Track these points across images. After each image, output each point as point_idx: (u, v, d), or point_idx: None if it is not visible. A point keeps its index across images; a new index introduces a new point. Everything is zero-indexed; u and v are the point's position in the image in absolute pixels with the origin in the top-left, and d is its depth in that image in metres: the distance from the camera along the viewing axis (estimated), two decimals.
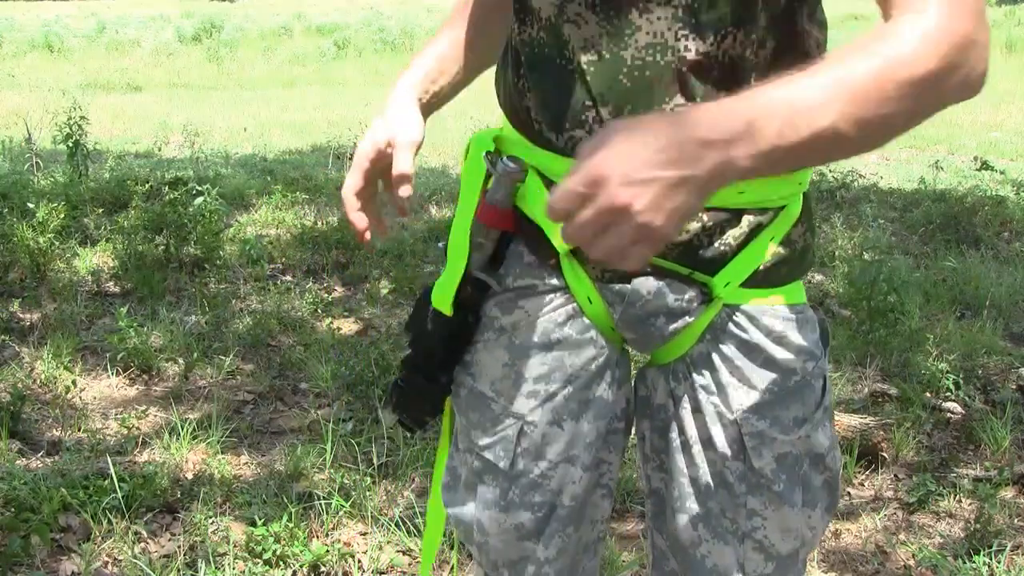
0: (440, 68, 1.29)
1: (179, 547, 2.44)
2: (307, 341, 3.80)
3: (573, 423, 1.22)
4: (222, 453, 2.93)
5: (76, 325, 3.89)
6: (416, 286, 4.36)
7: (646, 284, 1.14)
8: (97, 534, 2.46)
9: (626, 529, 2.63)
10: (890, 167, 7.78)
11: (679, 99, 1.06)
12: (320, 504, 2.61)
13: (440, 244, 1.24)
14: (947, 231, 5.46)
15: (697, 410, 1.18)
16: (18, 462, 2.79)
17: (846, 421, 3.05)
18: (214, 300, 4.16)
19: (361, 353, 3.54)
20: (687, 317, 1.15)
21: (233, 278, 4.48)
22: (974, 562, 2.45)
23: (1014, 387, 3.44)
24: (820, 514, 1.22)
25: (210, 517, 2.56)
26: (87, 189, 5.44)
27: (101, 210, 5.13)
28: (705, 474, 1.19)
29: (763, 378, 1.16)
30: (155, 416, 3.23)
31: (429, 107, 1.28)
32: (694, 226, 1.11)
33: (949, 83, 0.92)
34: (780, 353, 1.16)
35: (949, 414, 3.27)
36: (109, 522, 2.49)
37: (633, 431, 1.30)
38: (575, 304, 1.19)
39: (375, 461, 2.86)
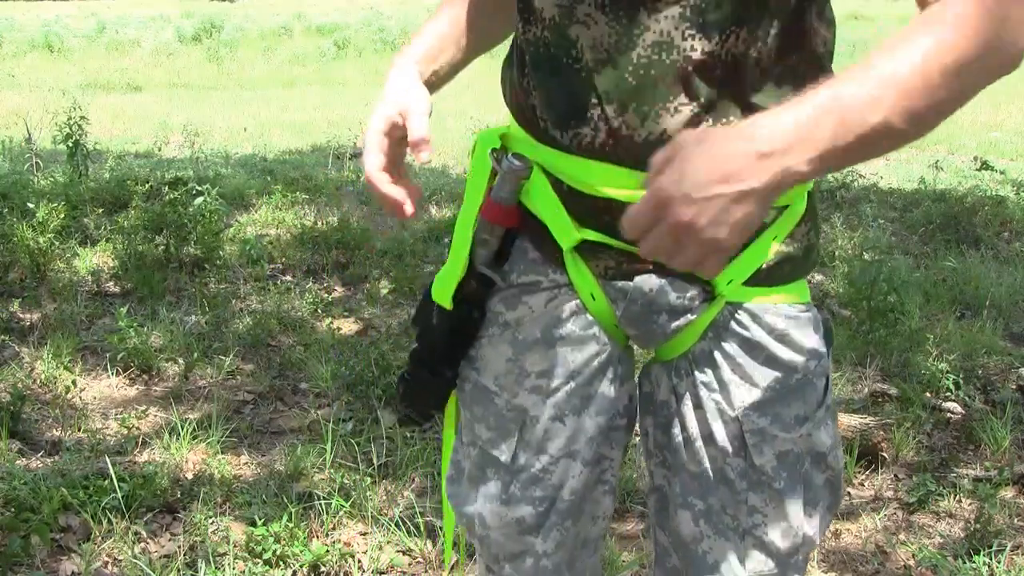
0: (440, 47, 1.28)
1: (179, 547, 2.44)
2: (307, 341, 3.80)
3: (575, 418, 1.23)
4: (222, 453, 2.93)
5: (76, 325, 3.89)
6: (416, 286, 4.36)
7: (648, 281, 1.15)
8: (97, 534, 2.46)
9: (626, 529, 2.63)
10: (890, 167, 7.78)
11: (683, 98, 1.06)
12: (320, 504, 2.61)
13: (447, 240, 1.24)
14: (947, 231, 5.46)
15: (699, 406, 1.19)
16: (18, 462, 2.79)
17: (846, 421, 3.06)
18: (214, 300, 4.16)
19: (361, 353, 3.54)
20: (689, 315, 1.16)
21: (233, 278, 4.48)
22: (974, 562, 2.45)
23: (1014, 387, 3.44)
24: (821, 513, 1.23)
25: (210, 517, 2.56)
26: (87, 189, 5.44)
27: (101, 210, 5.13)
28: (706, 470, 1.19)
29: (765, 376, 1.17)
30: (155, 416, 3.23)
31: (429, 86, 1.27)
32: None
33: (991, 62, 0.94)
34: (782, 351, 1.16)
35: (949, 414, 3.27)
36: (109, 522, 2.49)
37: (636, 427, 1.30)
38: (578, 300, 1.20)
39: (375, 461, 2.86)
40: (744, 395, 1.17)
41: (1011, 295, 4.39)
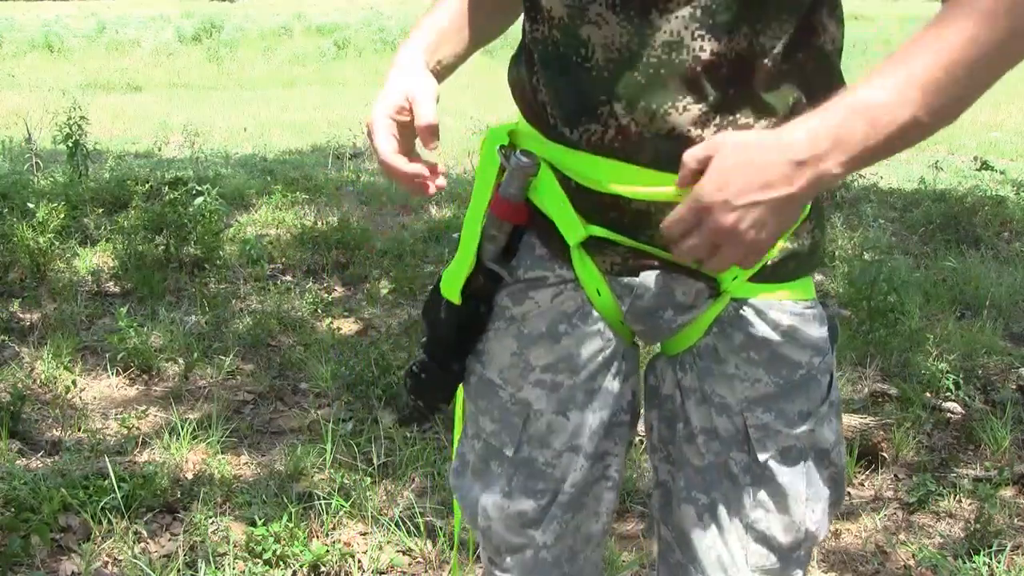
0: (439, 41, 1.27)
1: (179, 547, 2.44)
2: (307, 341, 3.80)
3: (579, 413, 1.24)
4: (222, 453, 2.93)
5: (76, 325, 3.89)
6: (416, 286, 4.37)
7: (654, 277, 1.16)
8: (97, 534, 2.46)
9: (626, 529, 2.63)
10: (890, 167, 7.78)
11: (692, 97, 1.07)
12: (320, 504, 2.61)
13: (455, 235, 1.25)
14: (947, 231, 5.46)
15: (703, 401, 1.19)
16: (18, 462, 2.79)
17: (846, 421, 3.06)
18: (214, 300, 4.16)
19: (361, 353, 3.54)
20: (694, 310, 1.17)
21: (233, 278, 4.48)
22: (974, 562, 2.45)
23: (1014, 387, 3.44)
24: (824, 508, 1.24)
25: (210, 517, 2.56)
26: (87, 189, 5.44)
27: (101, 210, 5.13)
28: (710, 465, 1.20)
29: (769, 371, 1.17)
30: (155, 416, 3.23)
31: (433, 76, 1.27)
32: None
33: (1013, 49, 0.97)
34: (786, 347, 1.17)
35: (949, 414, 3.27)
36: (109, 522, 2.49)
37: (641, 422, 1.31)
38: (584, 296, 1.21)
39: (375, 461, 2.86)
40: (748, 390, 1.18)
41: (1011, 295, 4.39)
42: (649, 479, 2.83)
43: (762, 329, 1.17)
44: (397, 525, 2.54)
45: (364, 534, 2.55)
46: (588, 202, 1.15)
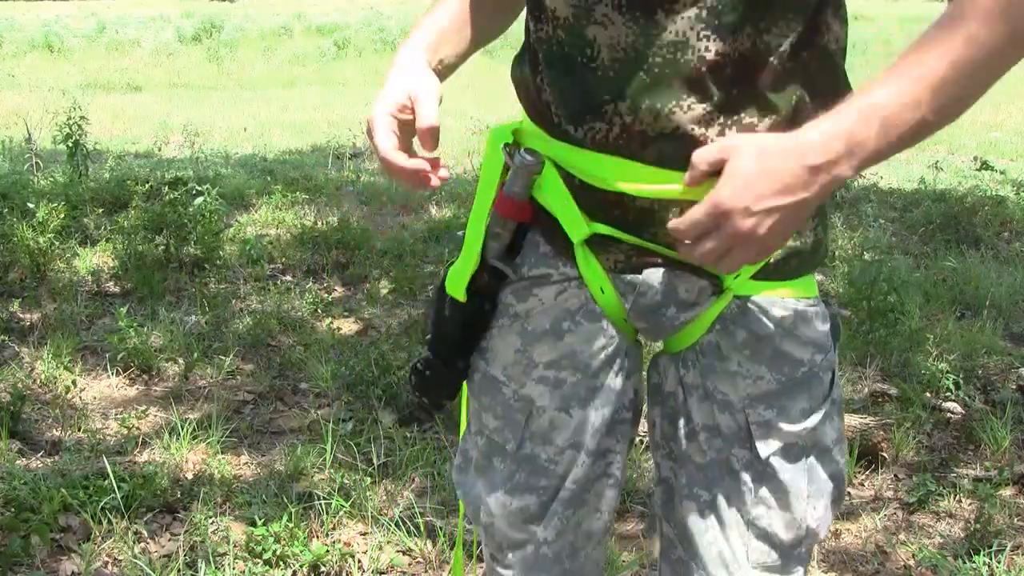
0: (439, 41, 1.27)
1: (179, 547, 2.44)
2: (307, 341, 3.80)
3: (581, 410, 1.25)
4: (222, 453, 2.93)
5: (76, 325, 3.89)
6: (416, 286, 4.37)
7: (657, 275, 1.16)
8: (97, 534, 2.46)
9: (626, 529, 2.63)
10: (890, 167, 7.77)
11: (696, 96, 1.08)
12: (320, 504, 2.61)
13: (460, 233, 1.25)
14: (947, 231, 5.46)
15: (705, 398, 1.20)
16: (18, 462, 2.79)
17: (846, 421, 3.04)
18: (214, 300, 4.16)
19: (361, 353, 3.54)
20: (697, 307, 1.17)
21: (233, 278, 4.48)
22: (974, 562, 2.45)
23: (1014, 387, 3.44)
24: (825, 506, 1.24)
25: (210, 517, 2.56)
26: (87, 189, 5.44)
27: (101, 210, 5.13)
28: (712, 461, 1.21)
29: (771, 368, 1.18)
30: (155, 416, 3.23)
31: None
32: None
33: (1017, 46, 0.99)
34: (789, 344, 1.18)
35: (949, 414, 3.27)
36: (109, 522, 2.49)
37: (641, 424, 1.32)
38: (588, 293, 1.22)
39: (375, 461, 2.86)
40: (750, 387, 1.18)
41: (1011, 295, 4.39)
42: (650, 479, 2.84)
43: (764, 326, 1.17)
44: (397, 525, 2.54)
45: (364, 534, 2.55)
46: (592, 200, 1.16)
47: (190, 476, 2.79)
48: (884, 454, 3.00)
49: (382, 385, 3.28)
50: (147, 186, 5.20)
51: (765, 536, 1.22)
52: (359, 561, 2.43)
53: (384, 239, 5.05)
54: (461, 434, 1.40)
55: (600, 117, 1.12)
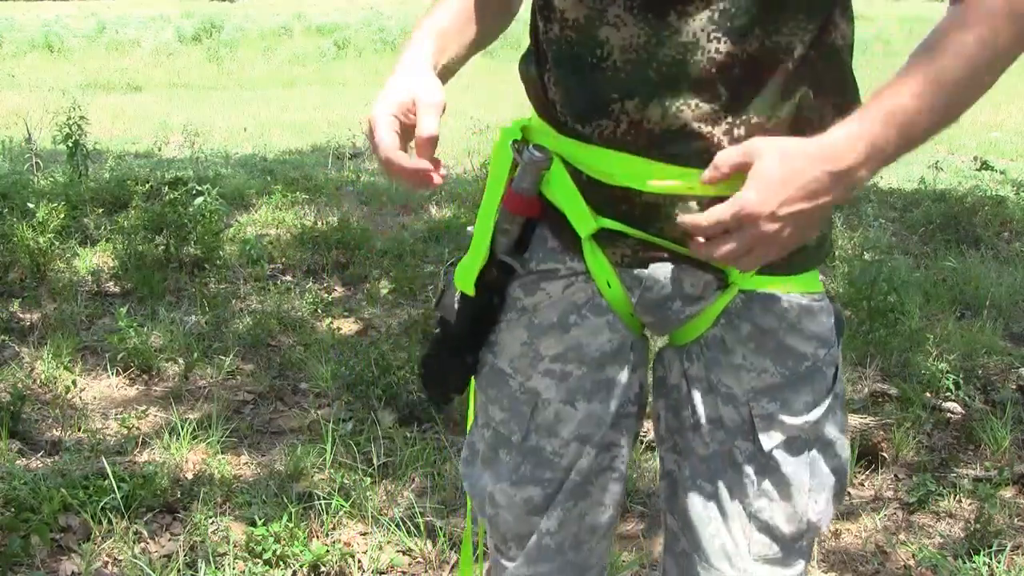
0: (442, 44, 1.26)
1: (179, 547, 2.44)
2: (307, 341, 3.80)
3: (586, 403, 1.26)
4: (222, 453, 2.93)
5: (76, 325, 3.89)
6: (416, 286, 4.37)
7: (663, 270, 1.18)
8: (97, 534, 2.46)
9: (626, 529, 2.63)
10: (890, 167, 7.77)
11: (704, 95, 1.09)
12: (320, 504, 2.61)
13: (469, 229, 1.26)
14: (947, 231, 5.46)
15: (709, 391, 1.21)
16: (18, 462, 2.79)
17: None
18: (214, 300, 4.16)
19: (361, 353, 3.54)
20: (703, 302, 1.19)
21: (233, 278, 4.48)
22: (974, 562, 2.45)
23: (1014, 387, 3.44)
24: (827, 500, 1.25)
25: (210, 517, 2.56)
26: (87, 189, 5.44)
27: (101, 210, 5.13)
28: (715, 454, 1.22)
29: (775, 362, 1.19)
30: (155, 416, 3.23)
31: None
32: None
33: (1019, 51, 1.04)
34: (793, 339, 1.19)
35: (949, 414, 3.27)
36: (109, 522, 2.49)
37: (643, 425, 1.32)
38: (595, 288, 1.23)
39: (375, 461, 2.86)
40: (754, 380, 1.20)
41: (1011, 295, 4.39)
42: (650, 479, 2.84)
43: (769, 320, 1.18)
44: (397, 525, 2.54)
45: (364, 534, 2.55)
46: (599, 195, 1.17)
47: (190, 476, 2.79)
48: (884, 454, 3.00)
49: (382, 385, 3.28)
50: (147, 186, 5.20)
51: (767, 529, 1.23)
52: (359, 561, 2.43)
53: (384, 239, 5.05)
54: (468, 428, 1.41)
55: (607, 115, 1.13)
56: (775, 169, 1.02)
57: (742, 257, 1.06)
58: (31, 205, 4.71)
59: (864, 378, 3.51)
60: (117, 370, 3.51)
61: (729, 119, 1.09)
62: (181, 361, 3.59)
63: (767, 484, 1.21)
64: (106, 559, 2.41)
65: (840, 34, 1.13)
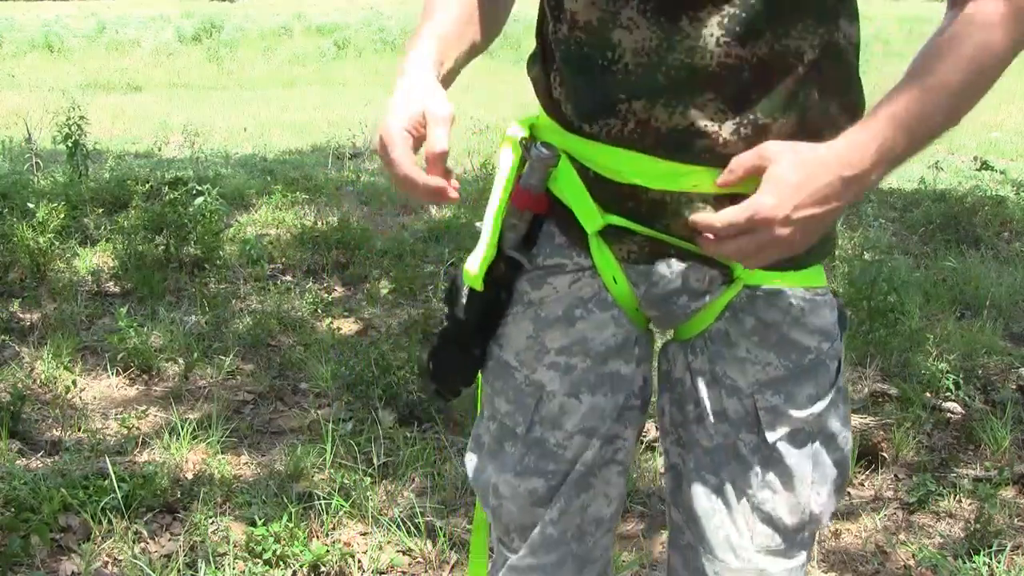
0: (444, 50, 1.25)
1: (179, 547, 2.44)
2: (307, 341, 3.80)
3: (590, 396, 1.27)
4: (222, 453, 2.93)
5: (76, 325, 3.89)
6: (416, 286, 4.37)
7: (669, 265, 1.19)
8: (97, 534, 2.46)
9: (626, 529, 2.63)
10: None
11: (711, 95, 1.10)
12: (320, 504, 2.61)
13: (478, 225, 1.27)
14: (947, 231, 5.46)
15: (713, 383, 1.23)
16: (18, 462, 2.79)
17: None
18: (214, 300, 4.16)
19: (361, 353, 3.54)
20: (708, 296, 1.20)
21: (233, 278, 4.48)
22: (974, 562, 2.45)
23: (1014, 387, 3.44)
24: (829, 492, 1.26)
25: (210, 517, 2.57)
26: (87, 189, 5.44)
27: (101, 210, 5.13)
28: (719, 446, 1.24)
29: (779, 355, 1.21)
30: (155, 416, 3.23)
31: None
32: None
33: (1018, 52, 1.08)
34: (796, 332, 1.21)
35: (949, 414, 3.27)
36: (109, 522, 2.49)
37: (645, 426, 1.32)
38: (601, 283, 1.24)
39: (375, 461, 2.86)
40: (758, 373, 1.21)
41: (1011, 295, 4.39)
42: (650, 479, 2.84)
43: (773, 315, 1.20)
44: (397, 525, 2.54)
45: (364, 534, 2.55)
46: (606, 192, 1.19)
47: (190, 476, 2.79)
48: (884, 454, 3.00)
49: (382, 385, 3.28)
50: (147, 186, 5.20)
51: (770, 520, 1.24)
52: (359, 561, 2.43)
53: (384, 239, 5.05)
54: (475, 421, 1.42)
55: (615, 115, 1.14)
56: (790, 174, 1.04)
57: (751, 256, 1.08)
58: (31, 205, 4.71)
59: (864, 378, 3.51)
60: (117, 370, 3.51)
61: (736, 119, 1.11)
62: (181, 361, 3.59)
63: (771, 476, 1.23)
64: (106, 559, 2.41)
65: (844, 34, 1.15)
